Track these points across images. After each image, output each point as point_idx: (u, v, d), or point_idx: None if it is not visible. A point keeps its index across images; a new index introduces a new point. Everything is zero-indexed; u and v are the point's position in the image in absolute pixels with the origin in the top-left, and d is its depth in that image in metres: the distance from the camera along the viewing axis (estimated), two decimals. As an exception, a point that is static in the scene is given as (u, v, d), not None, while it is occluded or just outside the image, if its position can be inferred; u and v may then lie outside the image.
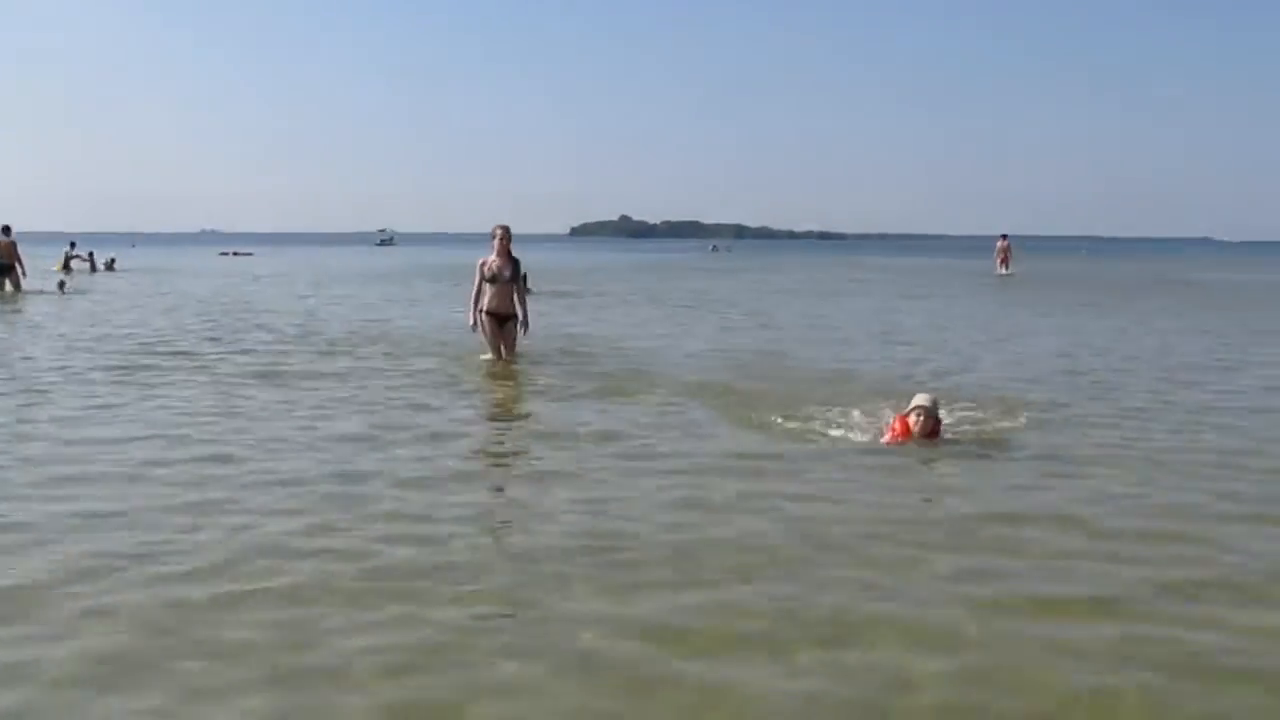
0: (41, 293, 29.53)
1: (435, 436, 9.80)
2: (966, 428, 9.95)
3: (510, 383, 13.55)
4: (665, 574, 5.93)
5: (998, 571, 6.02)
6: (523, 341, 15.11)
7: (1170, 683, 4.60)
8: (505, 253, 14.68)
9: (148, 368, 14.18)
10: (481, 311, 14.76)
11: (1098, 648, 4.94)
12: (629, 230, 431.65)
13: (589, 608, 5.43)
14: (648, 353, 16.46)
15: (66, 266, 44.36)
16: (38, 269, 36.36)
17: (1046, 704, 4.42)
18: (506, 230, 14.69)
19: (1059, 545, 6.51)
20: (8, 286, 29.30)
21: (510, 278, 14.74)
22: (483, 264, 14.73)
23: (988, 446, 9.33)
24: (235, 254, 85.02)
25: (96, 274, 44.35)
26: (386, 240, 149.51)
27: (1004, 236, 50.06)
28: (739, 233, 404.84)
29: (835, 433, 9.76)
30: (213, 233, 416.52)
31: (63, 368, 14.17)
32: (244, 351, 16.12)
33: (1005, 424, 10.35)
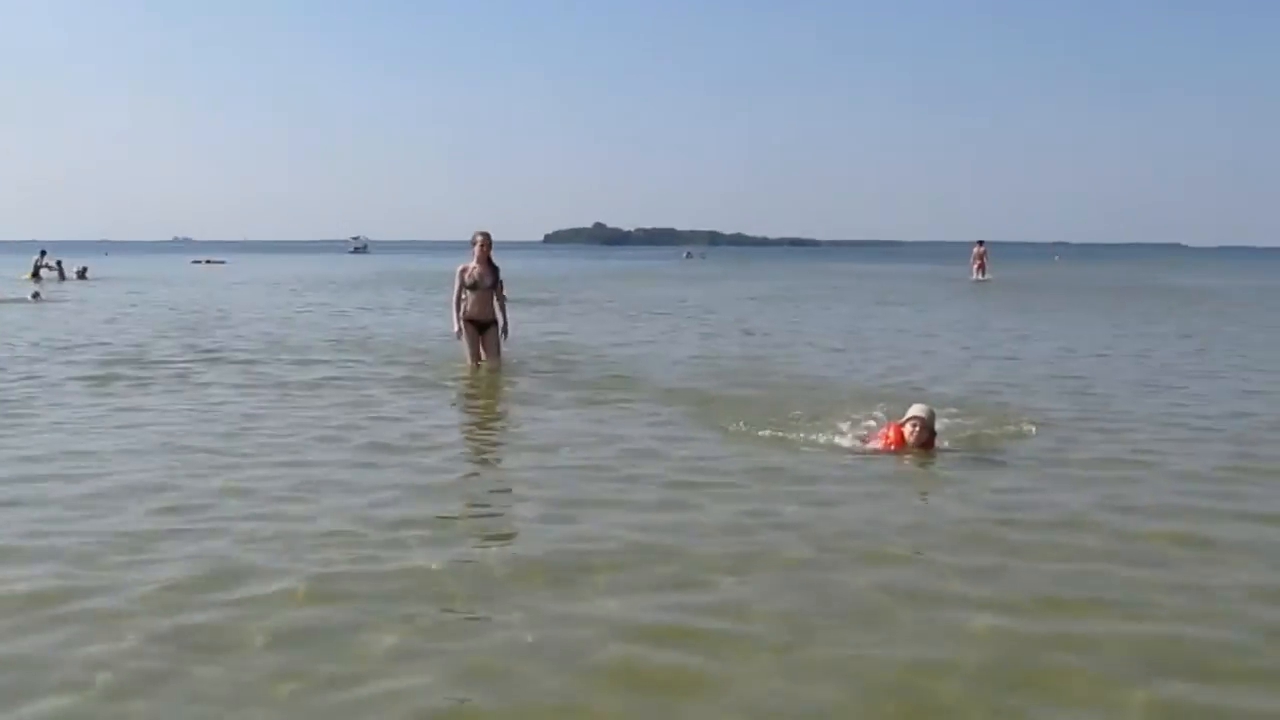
0: (14, 301, 29.23)
1: (414, 445, 9.68)
2: (957, 436, 9.84)
3: (490, 390, 13.45)
4: (658, 575, 5.88)
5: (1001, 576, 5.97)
6: (503, 348, 14.99)
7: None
8: (485, 259, 14.59)
9: (123, 377, 14.01)
10: (462, 318, 14.64)
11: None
12: (603, 237, 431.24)
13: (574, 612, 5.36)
14: (629, 360, 16.38)
15: (36, 274, 43.98)
16: (3, 278, 36.02)
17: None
18: (487, 237, 14.61)
19: (1063, 550, 6.51)
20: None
21: (491, 284, 14.65)
22: (463, 270, 14.63)
23: (980, 455, 9.26)
24: (208, 262, 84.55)
25: (66, 282, 43.88)
26: (360, 248, 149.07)
27: (980, 243, 50.24)
28: (713, 240, 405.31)
29: (821, 440, 9.69)
30: (185, 241, 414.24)
31: (34, 377, 13.99)
32: (221, 360, 15.96)
33: (995, 431, 10.31)
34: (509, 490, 8.21)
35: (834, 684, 4.63)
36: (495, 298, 14.74)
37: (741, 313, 28.22)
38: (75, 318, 25.06)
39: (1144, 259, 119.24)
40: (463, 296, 14.59)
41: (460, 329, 14.72)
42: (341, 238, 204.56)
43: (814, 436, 9.82)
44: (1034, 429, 10.39)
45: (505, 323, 14.89)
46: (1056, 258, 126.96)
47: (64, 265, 47.19)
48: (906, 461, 8.94)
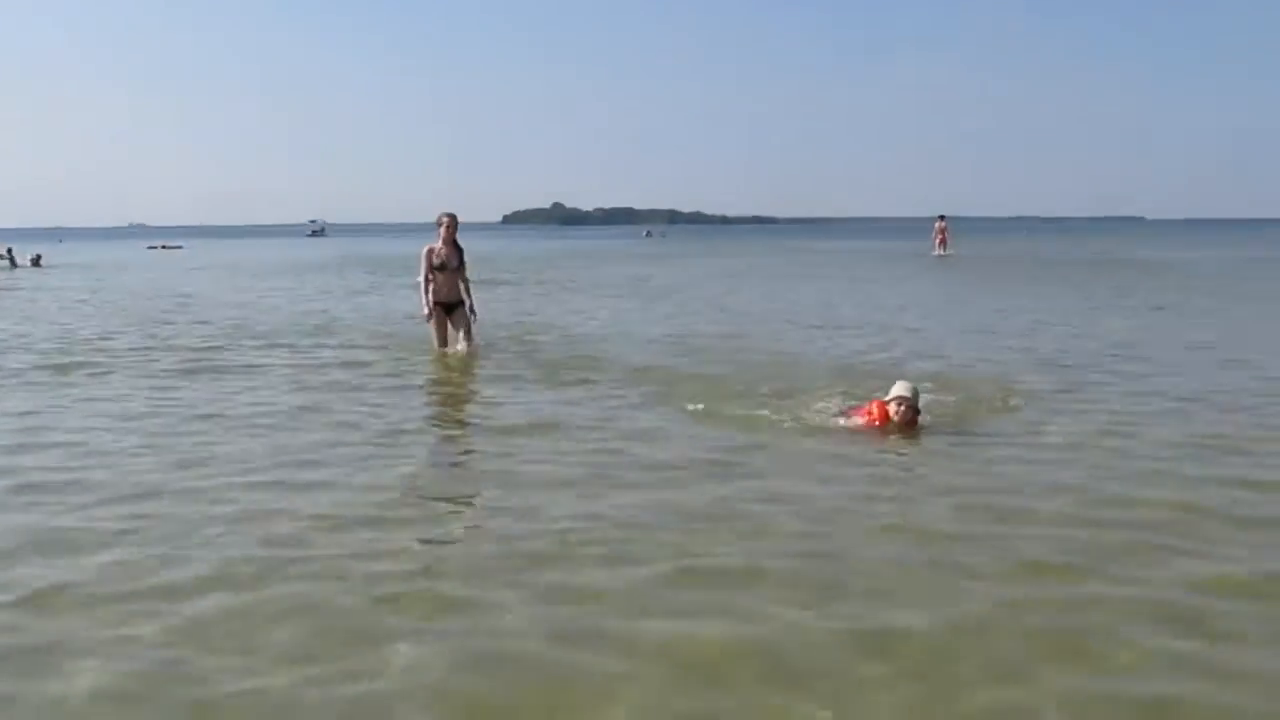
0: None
1: (384, 429, 9.47)
2: (938, 412, 9.72)
3: (458, 373, 13.24)
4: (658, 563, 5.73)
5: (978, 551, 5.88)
6: (474, 329, 14.77)
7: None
8: (451, 241, 14.38)
9: (83, 365, 13.70)
10: (430, 301, 14.44)
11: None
12: (562, 218, 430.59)
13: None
14: (596, 339, 16.25)
15: (-13, 264, 43.29)
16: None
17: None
18: (453, 219, 14.40)
19: (1056, 518, 6.49)
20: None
21: (457, 266, 14.45)
22: (429, 252, 14.39)
23: (964, 431, 9.21)
24: (165, 247, 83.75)
25: (19, 270, 43.13)
26: (318, 231, 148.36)
27: (941, 218, 50.48)
28: (672, 218, 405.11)
29: (804, 418, 9.56)
30: (141, 226, 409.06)
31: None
32: (183, 347, 15.65)
33: (976, 406, 10.28)
34: (485, 475, 7.99)
35: (842, 647, 4.66)
36: (461, 279, 14.55)
37: (709, 291, 28.19)
38: (30, 306, 24.63)
39: (1107, 233, 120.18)
40: (430, 278, 14.36)
41: (430, 311, 14.51)
42: (298, 221, 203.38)
43: (796, 414, 9.68)
44: (1015, 402, 10.39)
45: (471, 304, 14.70)
46: (1024, 233, 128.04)
47: (14, 253, 46.40)
48: (893, 439, 8.82)
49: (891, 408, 8.99)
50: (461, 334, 14.55)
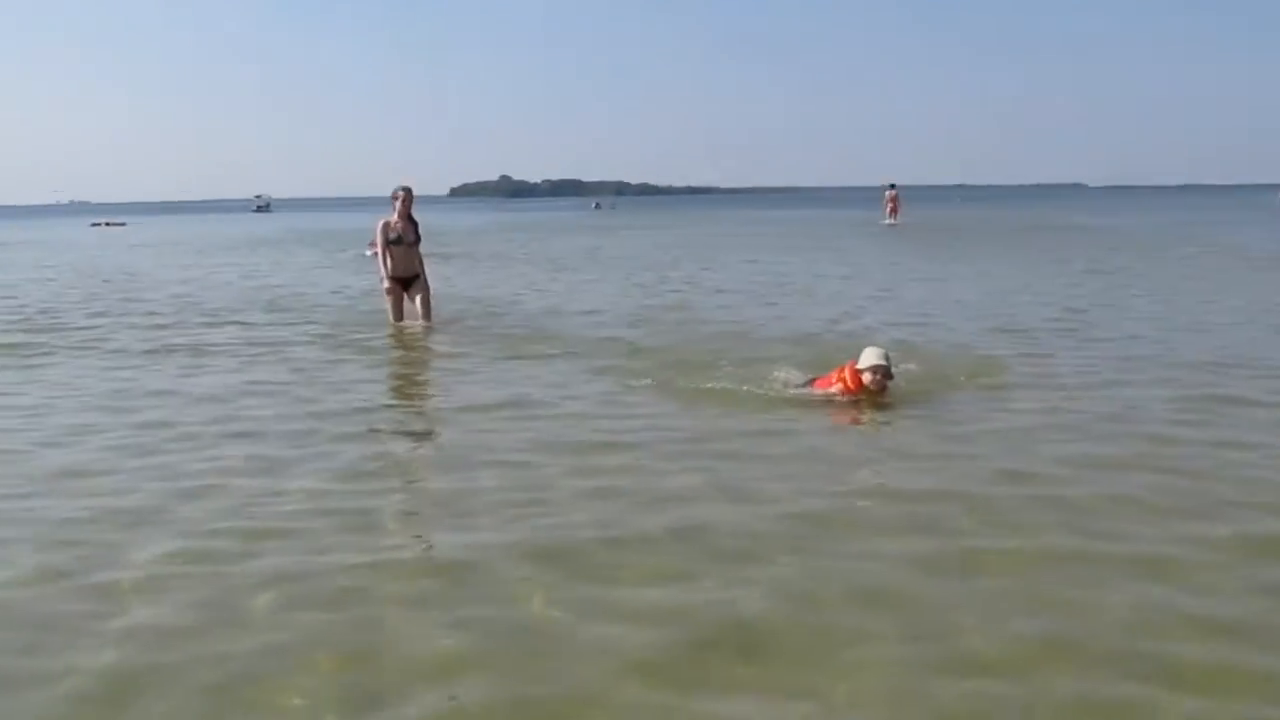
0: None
1: (341, 407, 9.33)
2: (908, 378, 9.72)
3: (415, 348, 13.14)
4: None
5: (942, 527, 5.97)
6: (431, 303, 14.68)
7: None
8: (407, 215, 14.26)
9: (29, 346, 13.47)
10: (388, 274, 14.34)
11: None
12: (509, 190, 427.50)
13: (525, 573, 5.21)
14: (552, 313, 16.22)
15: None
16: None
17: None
18: (408, 192, 14.29)
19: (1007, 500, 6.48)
20: None
21: (414, 240, 14.36)
22: (385, 225, 14.26)
23: (935, 396, 9.29)
24: (108, 224, 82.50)
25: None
26: (263, 206, 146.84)
27: (892, 186, 50.67)
28: (620, 190, 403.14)
29: (773, 389, 9.52)
30: (82, 204, 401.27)
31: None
32: (131, 326, 15.41)
33: (944, 372, 10.34)
34: (456, 456, 7.80)
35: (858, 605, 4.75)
36: (417, 254, 14.47)
37: (661, 261, 28.15)
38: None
39: (1048, 200, 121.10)
40: (386, 253, 14.23)
41: (388, 282, 14.40)
42: (243, 196, 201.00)
43: (762, 386, 9.62)
44: (981, 367, 10.52)
45: (426, 278, 14.62)
46: (957, 200, 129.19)
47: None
48: (867, 410, 8.81)
49: (866, 376, 8.86)
50: (419, 308, 14.48)
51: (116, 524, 6.07)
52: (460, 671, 4.23)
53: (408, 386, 11.19)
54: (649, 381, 10.14)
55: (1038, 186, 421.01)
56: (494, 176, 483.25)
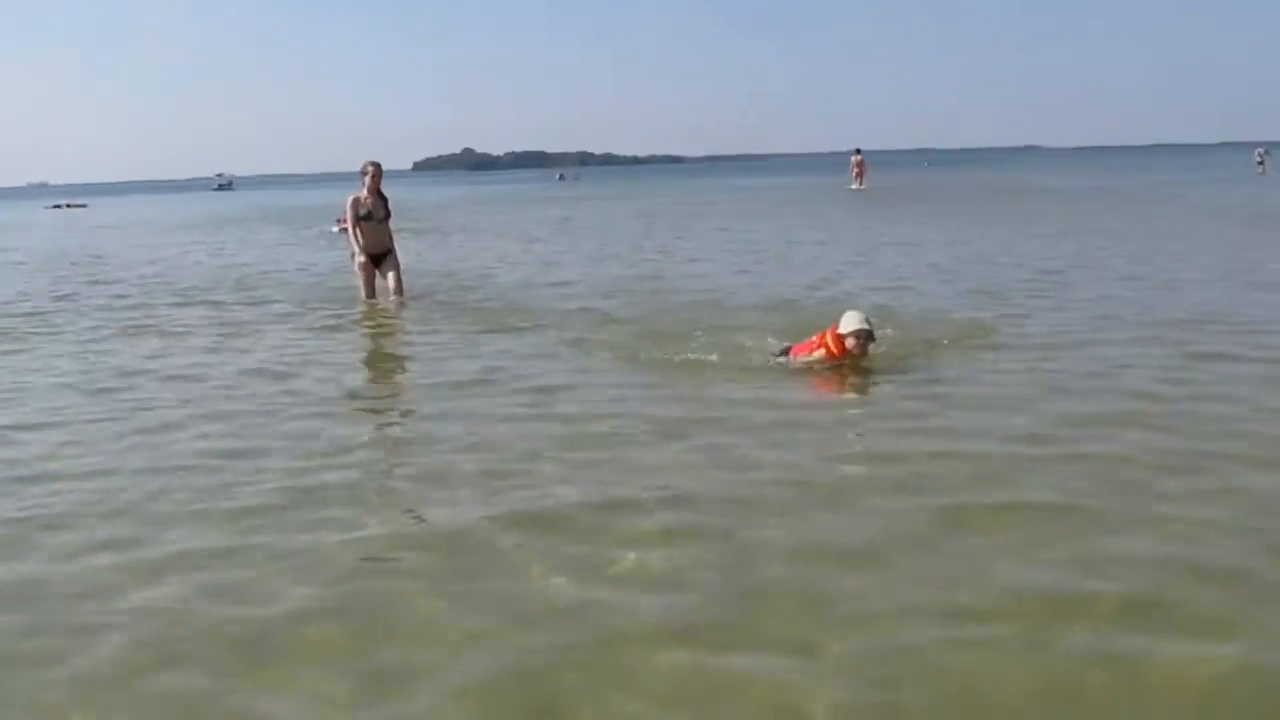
0: None
1: (318, 387, 9.20)
2: (890, 342, 9.70)
3: (388, 325, 13.03)
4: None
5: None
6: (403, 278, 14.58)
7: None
8: (376, 190, 14.15)
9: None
10: (360, 249, 14.21)
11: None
12: (473, 163, 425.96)
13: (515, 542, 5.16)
14: (524, 285, 16.13)
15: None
16: None
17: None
18: (378, 167, 14.17)
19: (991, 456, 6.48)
20: None
21: (384, 216, 14.25)
22: (355, 201, 14.12)
23: (914, 363, 9.19)
24: (69, 206, 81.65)
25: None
26: (224, 185, 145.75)
27: (858, 151, 50.65)
28: (584, 160, 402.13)
29: (739, 358, 9.47)
30: (42, 186, 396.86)
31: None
32: (101, 308, 15.22)
33: (926, 336, 10.29)
34: (436, 431, 7.65)
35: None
36: (388, 229, 14.35)
37: (628, 232, 28.09)
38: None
39: (1008, 164, 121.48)
40: (357, 229, 14.09)
41: (362, 257, 14.25)
42: (203, 175, 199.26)
43: (740, 354, 9.59)
44: (962, 332, 10.50)
45: (396, 253, 14.52)
46: (925, 165, 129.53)
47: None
48: (850, 375, 8.77)
49: (849, 341, 8.77)
50: (391, 284, 14.36)
51: (100, 510, 5.96)
52: (466, 643, 4.21)
53: (384, 363, 11.10)
54: (625, 352, 10.08)
55: (997, 150, 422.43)
56: (457, 149, 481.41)
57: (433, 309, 13.81)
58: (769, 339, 10.07)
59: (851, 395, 8.41)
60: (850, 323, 8.85)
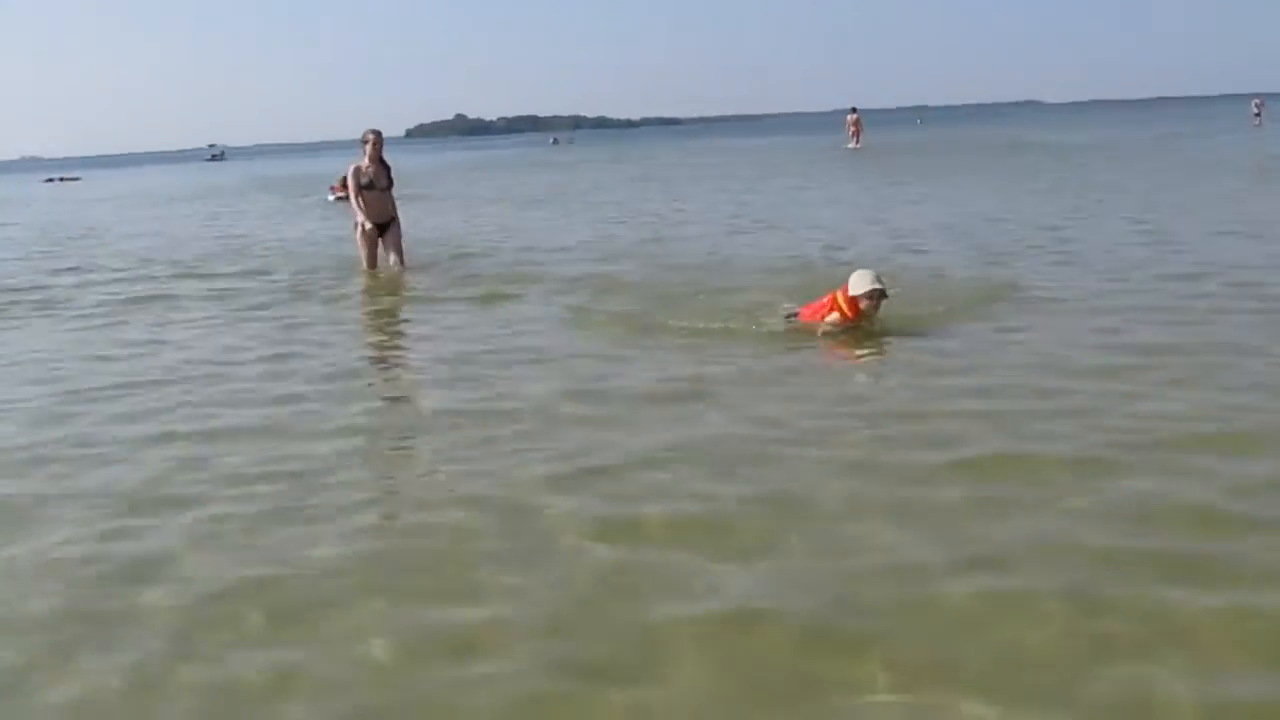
0: None
1: (323, 361, 9.13)
2: (900, 301, 9.60)
3: (393, 295, 12.97)
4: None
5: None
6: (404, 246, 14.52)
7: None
8: (378, 159, 14.02)
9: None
10: (363, 218, 14.11)
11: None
12: (465, 129, 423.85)
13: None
14: (524, 251, 16.07)
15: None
16: None
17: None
18: (378, 135, 14.05)
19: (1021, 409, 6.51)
20: None
21: (386, 184, 14.14)
22: (356, 170, 14.01)
23: (926, 324, 9.13)
24: (62, 179, 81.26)
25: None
26: (217, 155, 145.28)
27: (854, 110, 50.38)
28: (577, 124, 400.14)
29: (749, 321, 9.40)
30: (34, 159, 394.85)
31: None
32: (101, 282, 15.18)
33: (935, 294, 10.28)
34: (454, 400, 7.58)
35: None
36: (390, 197, 14.26)
37: (626, 196, 27.98)
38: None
39: (1005, 119, 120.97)
40: (360, 197, 13.97)
41: (365, 224, 14.10)
42: (196, 146, 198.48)
43: (749, 317, 9.51)
44: (971, 291, 10.46)
45: (399, 222, 14.47)
46: (918, 121, 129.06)
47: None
48: (866, 334, 8.75)
49: (864, 303, 8.68)
50: (393, 254, 14.30)
51: (124, 491, 5.92)
52: (507, 596, 4.29)
53: (391, 335, 11.04)
54: (633, 316, 10.07)
55: (994, 106, 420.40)
56: (450, 115, 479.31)
57: (435, 277, 13.75)
58: (780, 300, 9.98)
59: (868, 354, 8.39)
60: (862, 283, 8.73)
